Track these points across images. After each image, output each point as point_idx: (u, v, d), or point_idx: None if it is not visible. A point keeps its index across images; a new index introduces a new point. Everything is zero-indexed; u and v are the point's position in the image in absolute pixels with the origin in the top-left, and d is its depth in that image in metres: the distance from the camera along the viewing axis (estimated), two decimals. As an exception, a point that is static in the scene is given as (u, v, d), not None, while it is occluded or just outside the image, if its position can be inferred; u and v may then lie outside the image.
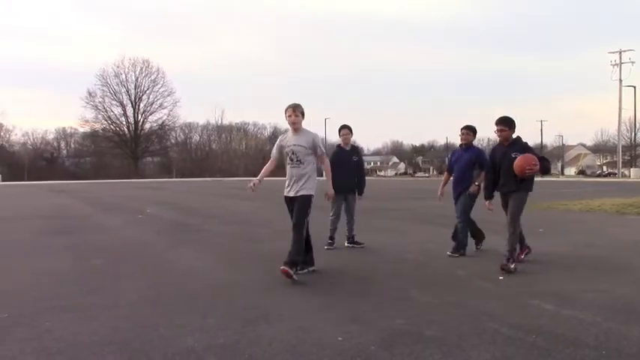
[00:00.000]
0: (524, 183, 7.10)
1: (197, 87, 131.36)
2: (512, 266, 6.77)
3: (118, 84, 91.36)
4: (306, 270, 6.80)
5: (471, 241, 8.50)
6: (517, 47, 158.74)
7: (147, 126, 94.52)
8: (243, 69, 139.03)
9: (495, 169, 7.34)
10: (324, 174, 7.27)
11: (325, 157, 7.01)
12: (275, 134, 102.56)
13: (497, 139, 7.43)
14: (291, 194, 6.76)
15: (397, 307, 5.21)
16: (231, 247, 9.59)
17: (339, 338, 4.29)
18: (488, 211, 7.54)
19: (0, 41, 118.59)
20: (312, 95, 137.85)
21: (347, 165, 8.96)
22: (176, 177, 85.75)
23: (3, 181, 69.64)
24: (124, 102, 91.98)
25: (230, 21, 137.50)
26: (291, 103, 6.80)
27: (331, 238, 9.00)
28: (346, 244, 9.07)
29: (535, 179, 7.28)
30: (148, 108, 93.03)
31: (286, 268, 6.27)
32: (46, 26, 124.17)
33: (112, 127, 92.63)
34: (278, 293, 5.92)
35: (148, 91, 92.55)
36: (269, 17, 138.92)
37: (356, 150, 9.32)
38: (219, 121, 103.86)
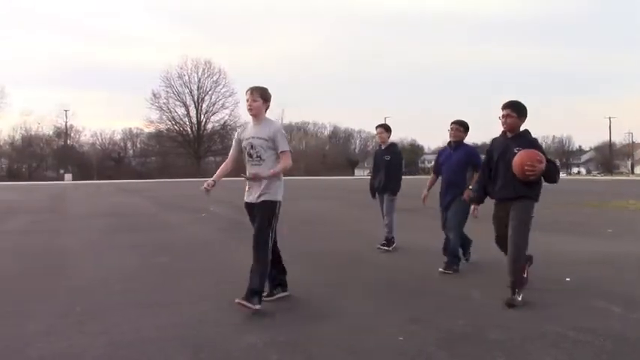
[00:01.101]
0: (528, 188, 5.30)
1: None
2: (520, 298, 5.25)
3: (181, 85, 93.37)
4: (276, 295, 5.55)
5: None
6: (581, 42, 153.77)
7: (209, 126, 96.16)
8: (303, 68, 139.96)
9: (491, 167, 5.59)
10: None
11: (286, 157, 5.38)
12: (334, 133, 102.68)
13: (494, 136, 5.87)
14: (251, 199, 5.44)
15: (458, 308, 5.15)
16: (291, 245, 9.66)
17: (400, 338, 4.27)
18: (474, 218, 6.21)
19: (71, 43, 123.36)
20: (372, 94, 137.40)
21: (380, 164, 8.82)
22: (237, 176, 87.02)
23: (73, 180, 72.37)
24: (187, 103, 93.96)
25: (290, 21, 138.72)
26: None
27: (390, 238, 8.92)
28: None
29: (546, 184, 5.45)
30: (210, 108, 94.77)
31: (242, 302, 5.02)
32: (114, 29, 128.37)
33: (175, 127, 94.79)
34: (338, 293, 5.94)
35: (210, 92, 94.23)
36: (329, 16, 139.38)
37: (390, 149, 8.96)
38: (280, 121, 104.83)
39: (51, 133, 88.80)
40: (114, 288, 6.23)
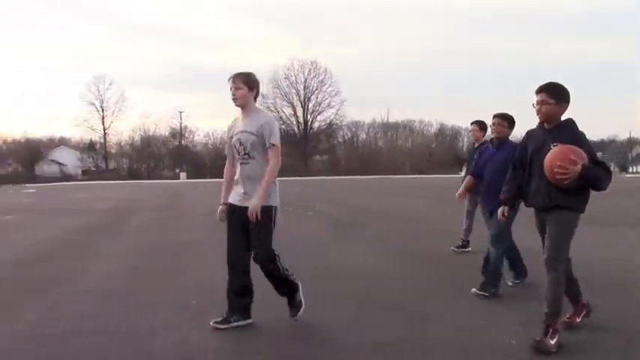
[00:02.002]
0: (568, 196, 4.05)
1: (364, 86, 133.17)
2: (553, 342, 3.98)
3: (288, 85, 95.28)
4: (233, 324, 4.67)
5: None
6: None
7: (315, 125, 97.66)
8: (409, 66, 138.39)
9: (524, 164, 4.37)
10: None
11: (274, 152, 4.78)
12: (441, 131, 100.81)
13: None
14: (237, 201, 4.76)
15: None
16: (396, 245, 9.63)
17: (513, 341, 4.15)
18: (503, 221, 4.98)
19: (185, 49, 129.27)
20: (480, 92, 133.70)
21: (471, 163, 8.40)
22: (342, 175, 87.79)
23: (188, 178, 75.77)
24: (294, 103, 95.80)
25: (397, 20, 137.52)
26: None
27: (465, 241, 8.54)
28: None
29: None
30: (317, 108, 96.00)
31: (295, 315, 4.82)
32: (224, 34, 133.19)
33: (283, 127, 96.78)
34: (443, 293, 5.86)
35: (316, 92, 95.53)
36: (431, 16, 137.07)
37: (481, 148, 8.48)
38: (385, 119, 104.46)
39: (167, 134, 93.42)
40: (221, 285, 6.44)
